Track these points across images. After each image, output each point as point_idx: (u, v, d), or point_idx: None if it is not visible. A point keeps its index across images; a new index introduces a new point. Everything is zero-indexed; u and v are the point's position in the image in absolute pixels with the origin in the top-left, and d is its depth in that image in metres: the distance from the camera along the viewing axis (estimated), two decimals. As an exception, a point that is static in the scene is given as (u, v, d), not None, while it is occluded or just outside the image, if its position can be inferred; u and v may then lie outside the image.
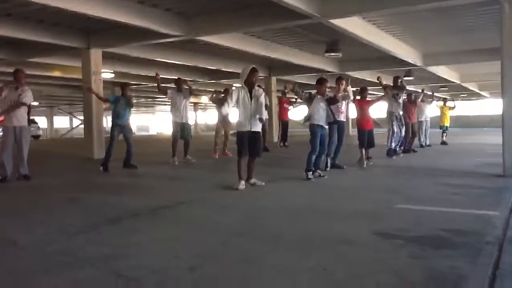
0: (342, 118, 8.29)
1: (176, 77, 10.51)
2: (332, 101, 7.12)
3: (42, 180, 7.66)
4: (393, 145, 10.30)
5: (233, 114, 6.54)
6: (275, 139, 17.61)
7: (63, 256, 3.39)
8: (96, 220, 4.53)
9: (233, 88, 6.37)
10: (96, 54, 11.94)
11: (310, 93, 7.16)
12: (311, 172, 6.99)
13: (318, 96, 7.02)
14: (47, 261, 3.33)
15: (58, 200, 5.88)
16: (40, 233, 4.14)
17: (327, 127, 7.15)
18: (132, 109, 9.18)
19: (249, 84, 6.26)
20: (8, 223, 4.63)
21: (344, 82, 6.84)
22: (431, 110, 14.83)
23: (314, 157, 7.00)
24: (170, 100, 9.99)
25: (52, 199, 5.97)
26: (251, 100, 6.22)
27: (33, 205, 5.65)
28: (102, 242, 3.78)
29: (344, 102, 8.23)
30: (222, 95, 11.46)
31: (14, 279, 2.99)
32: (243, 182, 6.24)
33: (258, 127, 6.32)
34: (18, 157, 7.52)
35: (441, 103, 15.90)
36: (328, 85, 7.36)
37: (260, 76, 6.74)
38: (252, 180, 6.47)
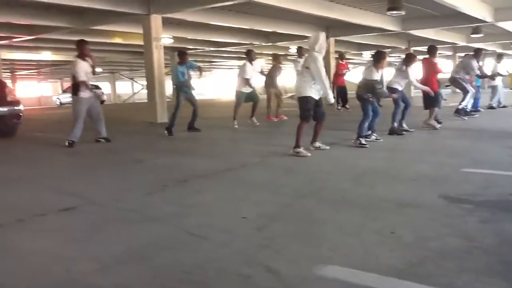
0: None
1: (247, 50, 10.55)
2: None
3: (111, 143, 8.03)
4: (466, 104, 10.07)
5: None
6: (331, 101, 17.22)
7: (134, 213, 3.60)
8: (164, 180, 4.71)
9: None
10: (156, 20, 12.09)
11: None
12: (363, 139, 6.70)
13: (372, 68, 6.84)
14: (121, 216, 3.58)
15: (127, 162, 6.17)
16: (112, 192, 4.40)
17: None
18: (191, 71, 9.23)
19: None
20: (85, 182, 4.94)
21: None
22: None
23: (366, 124, 6.83)
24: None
25: (121, 161, 6.28)
26: None
27: (104, 166, 5.99)
28: (170, 201, 3.95)
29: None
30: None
31: (95, 229, 3.26)
32: (303, 149, 6.06)
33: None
34: (99, 122, 8.00)
35: None
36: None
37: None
38: (317, 144, 6.39)
